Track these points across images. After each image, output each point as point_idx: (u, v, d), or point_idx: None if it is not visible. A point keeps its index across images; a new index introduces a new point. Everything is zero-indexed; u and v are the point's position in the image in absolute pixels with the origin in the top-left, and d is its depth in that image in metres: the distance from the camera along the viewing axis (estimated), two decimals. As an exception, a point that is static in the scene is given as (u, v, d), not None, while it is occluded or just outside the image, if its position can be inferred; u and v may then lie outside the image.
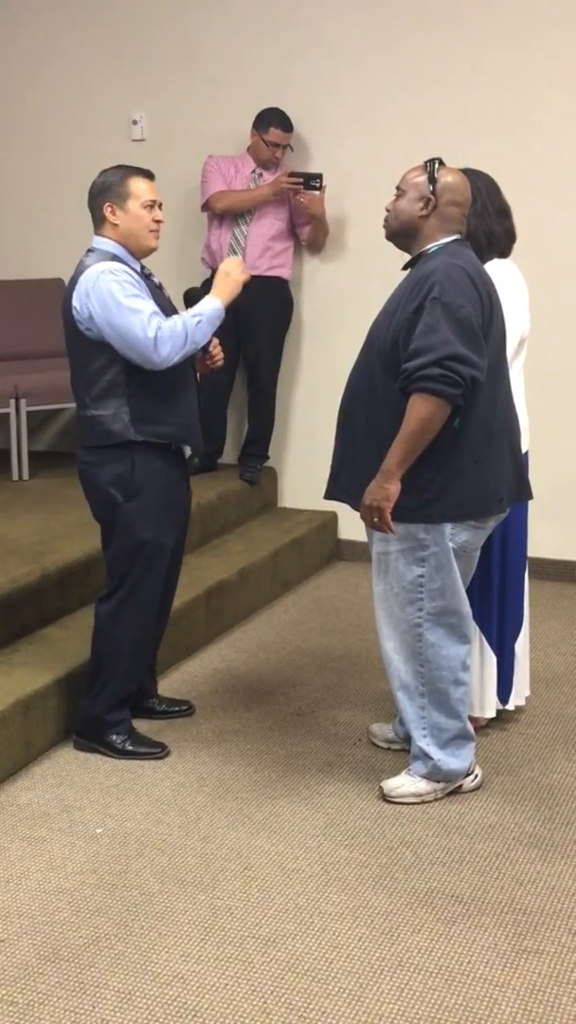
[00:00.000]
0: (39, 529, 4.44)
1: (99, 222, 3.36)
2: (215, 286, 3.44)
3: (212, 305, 3.38)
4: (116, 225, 3.33)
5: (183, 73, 5.58)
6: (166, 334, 3.24)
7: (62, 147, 5.83)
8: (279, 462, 5.75)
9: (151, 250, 3.40)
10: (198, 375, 3.55)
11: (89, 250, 3.36)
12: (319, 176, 5.13)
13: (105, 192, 3.33)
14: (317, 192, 5.17)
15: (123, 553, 3.44)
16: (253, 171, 5.29)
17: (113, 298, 3.22)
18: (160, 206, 3.37)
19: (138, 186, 3.33)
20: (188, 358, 3.38)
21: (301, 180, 5.12)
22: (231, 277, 3.45)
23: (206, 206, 5.27)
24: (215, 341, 3.51)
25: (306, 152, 5.40)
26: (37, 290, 5.76)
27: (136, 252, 3.38)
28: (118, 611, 3.48)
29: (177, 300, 3.55)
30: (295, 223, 5.37)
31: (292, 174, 5.15)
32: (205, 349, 3.49)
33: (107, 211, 3.32)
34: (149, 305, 3.26)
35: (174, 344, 3.26)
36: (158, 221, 3.36)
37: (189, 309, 3.37)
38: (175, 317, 3.31)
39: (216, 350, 3.54)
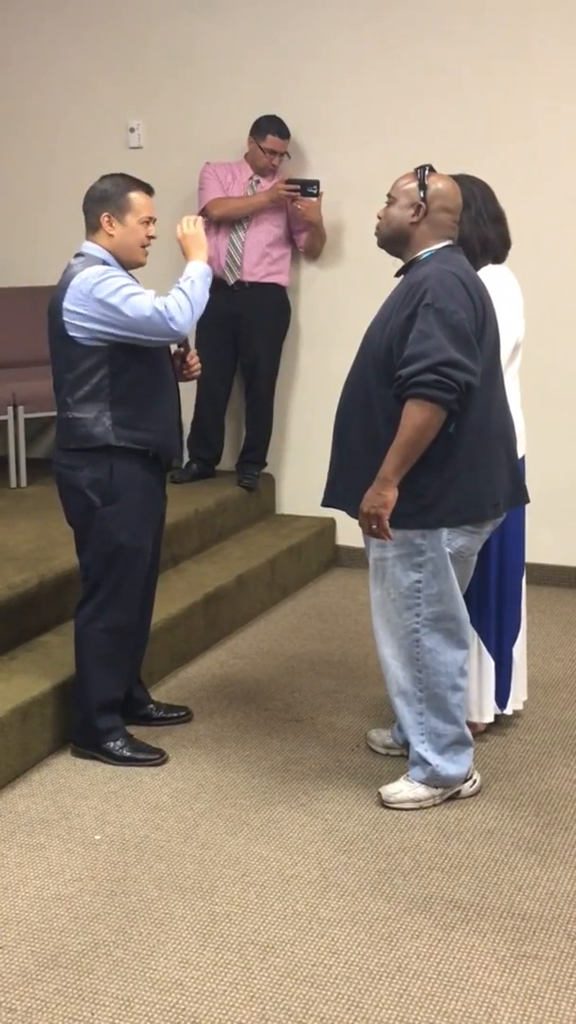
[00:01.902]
0: (37, 536, 4.44)
1: (93, 228, 3.38)
2: (186, 252, 3.44)
3: (196, 267, 3.40)
4: (111, 236, 3.35)
5: (180, 80, 5.59)
6: (173, 304, 3.28)
7: (59, 154, 5.84)
8: (277, 469, 5.75)
9: (139, 265, 3.44)
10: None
11: (78, 254, 3.38)
12: (316, 183, 5.14)
13: (105, 201, 3.34)
14: (314, 199, 5.18)
15: (100, 558, 3.45)
16: (250, 178, 5.30)
17: (114, 291, 3.24)
18: (154, 222, 3.40)
19: (139, 201, 3.35)
20: (168, 367, 3.45)
21: (298, 187, 5.13)
22: (190, 233, 3.43)
23: (203, 213, 5.27)
24: (192, 351, 3.56)
25: (303, 159, 5.41)
26: (35, 298, 5.74)
27: (125, 264, 3.40)
28: (96, 616, 3.48)
29: None
30: (292, 230, 5.38)
31: (289, 181, 5.16)
32: (183, 359, 3.54)
33: (104, 220, 3.34)
34: (144, 289, 3.32)
35: (183, 311, 3.29)
36: (151, 237, 3.40)
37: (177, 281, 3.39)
38: (170, 292, 3.33)
39: (193, 360, 3.57)
